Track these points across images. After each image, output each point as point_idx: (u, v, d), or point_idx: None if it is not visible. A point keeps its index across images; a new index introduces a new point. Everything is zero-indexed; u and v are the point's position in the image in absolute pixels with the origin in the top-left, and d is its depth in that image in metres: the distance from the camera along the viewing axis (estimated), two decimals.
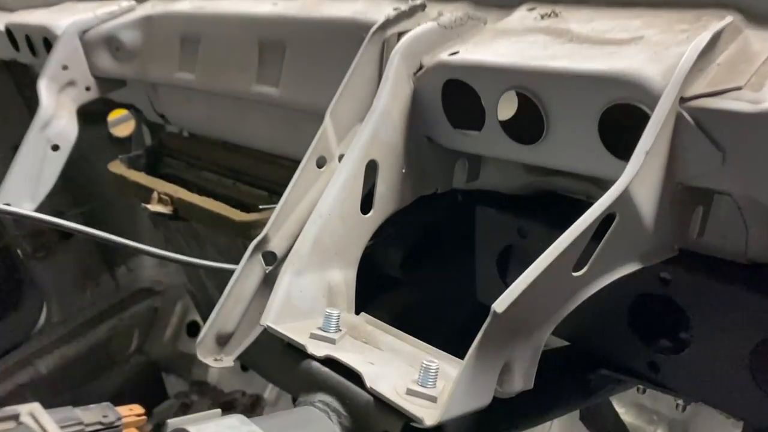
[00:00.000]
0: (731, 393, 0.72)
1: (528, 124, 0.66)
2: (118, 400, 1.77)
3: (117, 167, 1.25)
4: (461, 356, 0.51)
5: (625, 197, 0.51)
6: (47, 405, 0.47)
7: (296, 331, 0.62)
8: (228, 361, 0.77)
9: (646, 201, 0.53)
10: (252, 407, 1.91)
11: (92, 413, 0.47)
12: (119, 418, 0.47)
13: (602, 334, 0.81)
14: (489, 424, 0.68)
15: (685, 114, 0.53)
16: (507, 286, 0.89)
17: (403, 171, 0.73)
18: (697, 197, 0.61)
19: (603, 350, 0.82)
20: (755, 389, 0.70)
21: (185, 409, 1.98)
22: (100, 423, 0.46)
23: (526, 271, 0.50)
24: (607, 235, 0.52)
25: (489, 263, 0.90)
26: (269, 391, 1.94)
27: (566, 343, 0.86)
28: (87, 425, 0.46)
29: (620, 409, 1.38)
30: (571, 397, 0.85)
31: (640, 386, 0.83)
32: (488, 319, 0.50)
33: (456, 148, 0.75)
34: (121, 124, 1.82)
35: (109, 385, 1.96)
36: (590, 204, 0.53)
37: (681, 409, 0.87)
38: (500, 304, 0.49)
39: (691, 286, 0.72)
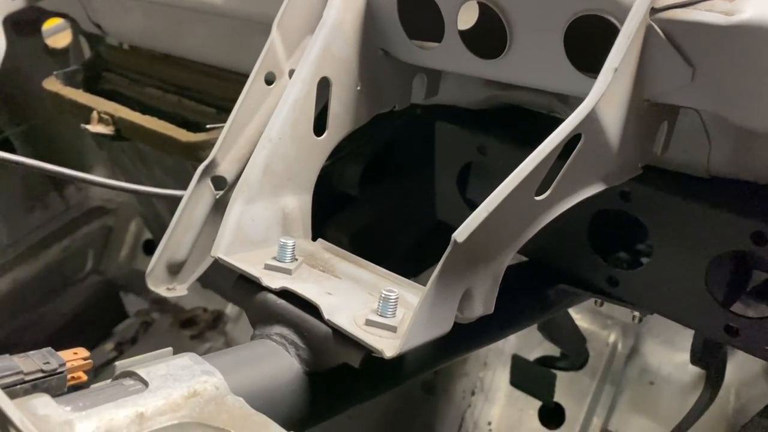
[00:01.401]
0: (688, 306, 0.73)
1: (490, 37, 0.62)
2: (77, 320, 1.73)
3: (52, 84, 1.16)
4: (420, 272, 0.50)
5: (591, 117, 0.48)
6: (3, 328, 0.43)
7: (250, 263, 0.59)
8: (181, 290, 0.74)
9: (613, 120, 0.50)
10: (213, 323, 1.91)
11: (32, 361, 0.44)
12: (62, 364, 0.45)
13: (562, 249, 0.81)
14: (449, 347, 0.68)
15: (656, 27, 0.50)
16: (467, 203, 0.89)
17: (358, 88, 0.69)
18: (663, 113, 0.59)
19: (563, 266, 0.82)
20: (711, 302, 0.71)
21: (146, 327, 1.97)
22: (41, 371, 0.44)
23: (488, 198, 0.47)
24: (571, 158, 0.50)
25: (449, 181, 0.88)
26: (230, 308, 1.94)
27: (525, 259, 0.86)
28: (27, 374, 0.43)
29: (575, 315, 1.42)
30: (530, 313, 0.86)
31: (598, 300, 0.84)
32: (449, 249, 0.48)
33: (414, 62, 0.71)
34: (57, 34, 1.69)
35: (65, 306, 1.93)
36: (552, 118, 0.51)
37: (637, 320, 0.89)
38: (461, 234, 0.47)
39: (652, 201, 0.71)
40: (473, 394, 1.56)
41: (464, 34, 0.63)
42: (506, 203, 0.47)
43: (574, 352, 1.39)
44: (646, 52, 0.51)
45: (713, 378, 0.99)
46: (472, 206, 0.78)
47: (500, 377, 1.54)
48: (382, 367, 0.50)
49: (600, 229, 0.78)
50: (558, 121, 0.49)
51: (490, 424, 1.53)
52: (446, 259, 0.48)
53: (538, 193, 0.51)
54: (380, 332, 0.51)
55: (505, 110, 0.83)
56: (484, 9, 0.61)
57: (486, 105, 0.83)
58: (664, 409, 1.36)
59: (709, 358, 0.97)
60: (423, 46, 0.68)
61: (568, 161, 0.50)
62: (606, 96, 0.48)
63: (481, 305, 0.54)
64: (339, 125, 0.68)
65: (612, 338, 1.44)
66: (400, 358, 0.50)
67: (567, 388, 1.45)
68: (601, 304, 0.85)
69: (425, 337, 0.50)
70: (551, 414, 1.48)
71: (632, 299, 0.78)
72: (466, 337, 0.69)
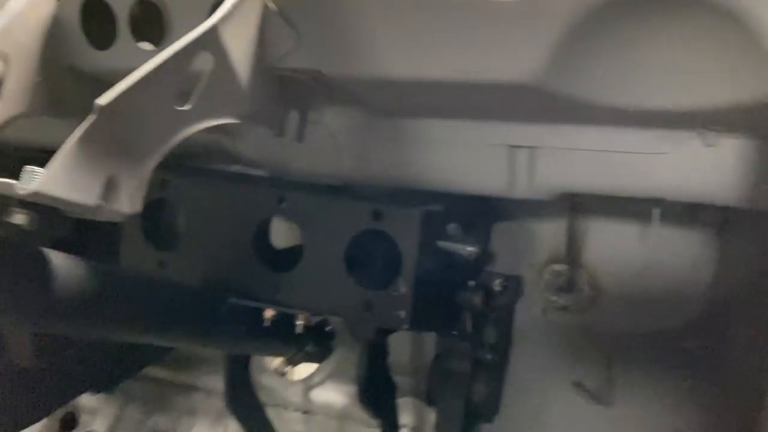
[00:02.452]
0: (339, 297, 0.84)
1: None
2: None
3: None
4: None
5: (215, 34, 0.61)
6: None
7: None
8: None
9: (238, 56, 0.65)
10: None
11: None
12: None
13: (229, 264, 0.90)
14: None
15: None
16: (153, 242, 0.94)
17: (38, 79, 0.76)
18: (292, 96, 0.76)
19: (232, 280, 0.90)
20: (353, 284, 0.83)
21: None
22: None
23: (130, 75, 0.57)
24: (205, 76, 0.63)
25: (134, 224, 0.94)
26: None
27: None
28: None
29: None
30: (202, 329, 0.89)
31: None
32: (92, 114, 0.55)
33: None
34: None
35: None
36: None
37: None
38: (105, 98, 0.55)
39: (297, 203, 0.85)
40: None
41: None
42: (147, 85, 0.57)
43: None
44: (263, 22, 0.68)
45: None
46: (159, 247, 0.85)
47: None
48: None
49: (264, 241, 0.89)
50: None
51: None
52: (90, 125, 0.55)
53: (180, 104, 0.62)
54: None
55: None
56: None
57: None
58: None
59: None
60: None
61: (203, 80, 0.63)
62: (230, 22, 0.62)
63: (127, 202, 0.60)
64: (12, 102, 0.73)
65: None
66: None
67: None
68: None
69: (64, 191, 0.53)
70: None
71: (294, 302, 0.88)
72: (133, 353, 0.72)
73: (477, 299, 0.94)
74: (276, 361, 1.49)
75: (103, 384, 1.30)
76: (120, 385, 1.61)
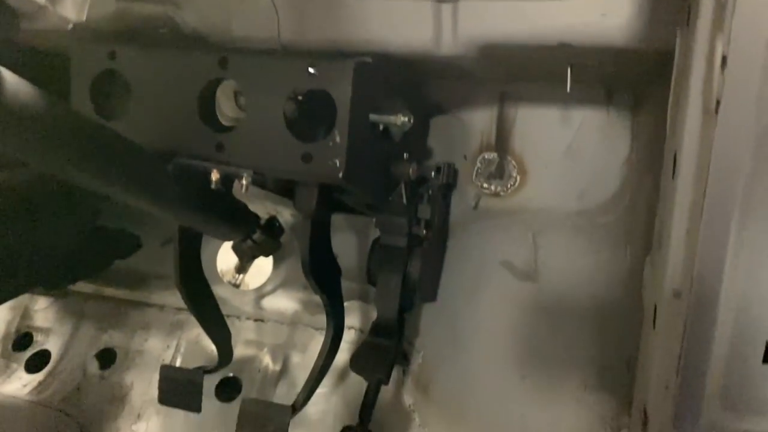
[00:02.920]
0: (279, 151, 0.90)
1: None
2: None
3: None
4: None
5: None
6: None
7: None
8: None
9: None
10: None
11: None
12: None
13: (176, 128, 0.95)
14: None
15: None
16: (100, 112, 0.98)
17: None
18: None
19: (178, 142, 0.95)
20: (292, 139, 0.89)
21: None
22: None
23: None
24: None
25: (83, 94, 0.98)
26: None
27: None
28: None
29: None
30: (159, 189, 0.92)
31: None
32: None
33: None
34: None
35: None
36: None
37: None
38: None
39: (242, 65, 0.91)
40: None
41: None
42: None
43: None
44: None
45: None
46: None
47: (153, 428, 1.47)
48: None
49: (207, 102, 0.94)
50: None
51: None
52: None
53: None
54: None
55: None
56: None
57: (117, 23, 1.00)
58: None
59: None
60: None
61: None
62: None
63: (72, 8, 0.64)
64: None
65: (265, 362, 1.51)
66: None
67: (218, 420, 1.44)
68: None
69: None
70: None
71: (237, 160, 0.93)
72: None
73: (410, 169, 1.01)
74: (229, 273, 1.54)
75: (52, 282, 1.33)
76: (72, 304, 1.64)
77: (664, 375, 0.65)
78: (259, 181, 1.05)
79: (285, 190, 1.11)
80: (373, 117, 0.94)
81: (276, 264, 1.53)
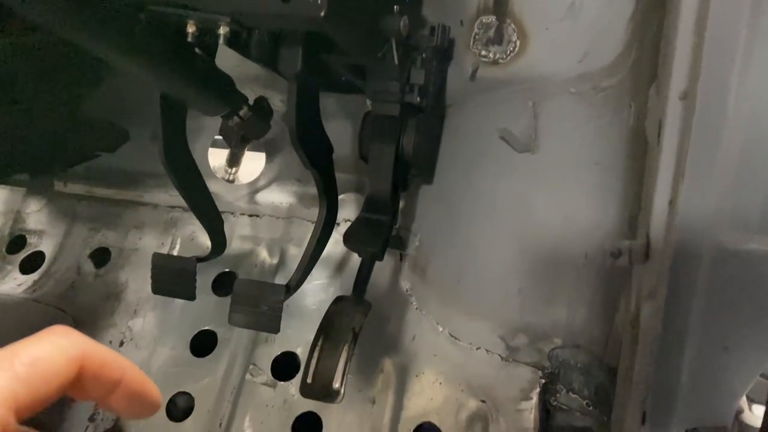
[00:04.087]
0: None
1: None
2: None
3: None
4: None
5: None
6: None
7: None
8: None
9: None
10: None
11: None
12: None
13: None
14: None
15: None
16: None
17: None
18: None
19: None
20: None
21: None
22: None
23: None
24: None
25: None
26: None
27: None
28: None
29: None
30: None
31: None
32: None
33: None
34: None
35: None
36: None
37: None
38: None
39: None
40: (122, 344, 1.44)
41: None
42: None
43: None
44: None
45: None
46: None
47: (150, 322, 1.45)
48: None
49: None
50: None
51: None
52: None
53: None
54: None
55: None
56: None
57: None
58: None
59: None
60: None
61: None
62: None
63: None
64: None
65: (261, 256, 1.48)
66: None
67: (214, 313, 1.43)
68: None
69: None
70: (203, 344, 1.43)
71: (213, 5, 0.87)
72: None
73: (401, 24, 0.94)
74: (221, 169, 1.50)
75: (37, 168, 1.30)
76: (65, 205, 1.61)
77: (666, 191, 0.61)
78: (241, 44, 0.99)
79: (269, 56, 1.05)
80: None
81: (269, 158, 1.49)
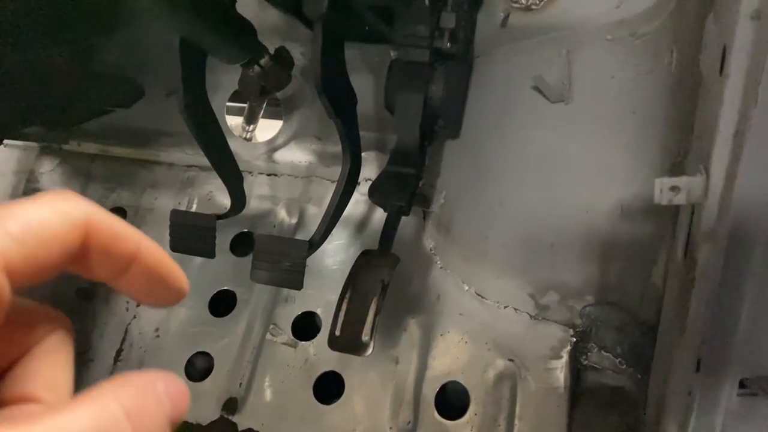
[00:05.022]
0: None
1: None
2: None
3: None
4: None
5: None
6: None
7: None
8: None
9: None
10: None
11: None
12: None
13: None
14: None
15: None
16: None
17: None
18: None
19: None
20: None
21: None
22: None
23: None
24: None
25: None
26: None
27: None
28: None
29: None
30: None
31: None
32: None
33: None
34: None
35: None
36: None
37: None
38: None
39: None
40: (138, 305, 1.41)
41: None
42: None
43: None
44: None
45: None
46: None
47: None
48: None
49: None
50: None
51: (157, 330, 1.38)
52: None
53: None
54: None
55: None
56: None
57: None
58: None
59: None
60: None
61: None
62: None
63: None
64: None
65: (280, 216, 1.45)
66: None
67: (233, 273, 1.40)
68: None
69: None
70: (222, 304, 1.40)
71: None
72: None
73: None
74: (238, 127, 1.46)
75: (50, 120, 1.26)
76: (78, 165, 1.58)
77: (731, 121, 0.57)
78: None
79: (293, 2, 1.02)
80: None
81: (287, 115, 1.45)
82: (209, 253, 1.19)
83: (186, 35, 0.97)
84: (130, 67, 1.40)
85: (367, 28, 1.04)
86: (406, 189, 1.04)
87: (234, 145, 1.47)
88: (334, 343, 0.88)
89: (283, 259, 1.05)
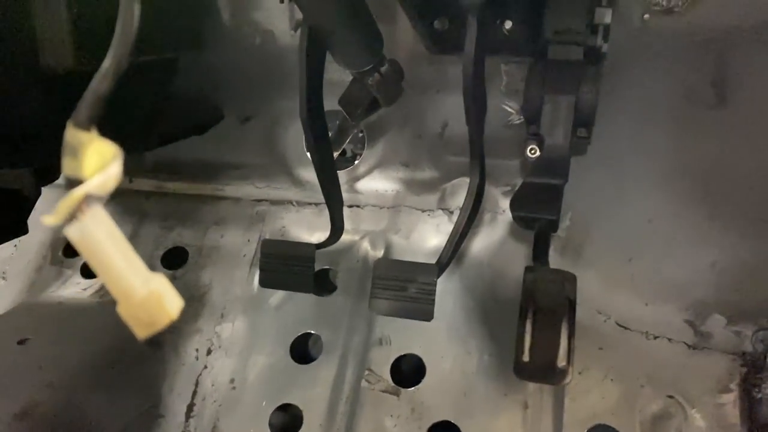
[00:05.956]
0: None
1: None
2: None
3: None
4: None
5: None
6: None
7: None
8: None
9: None
10: None
11: None
12: None
13: None
14: None
15: None
16: None
17: None
18: None
19: None
20: None
21: None
22: None
23: None
24: None
25: None
26: None
27: None
28: None
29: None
30: None
31: None
32: None
33: None
34: None
35: None
36: None
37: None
38: None
39: None
40: (209, 352, 1.24)
41: None
42: None
43: None
44: None
45: None
46: None
47: (240, 326, 1.27)
48: None
49: None
50: None
51: (233, 381, 1.21)
52: None
53: None
54: None
55: None
56: None
57: None
58: None
59: None
60: None
61: None
62: None
63: None
64: None
65: (363, 249, 1.31)
66: None
67: (315, 314, 1.25)
68: None
69: None
70: (303, 348, 1.25)
71: None
72: None
73: None
74: None
75: (128, 143, 1.12)
76: (130, 203, 1.44)
77: None
78: None
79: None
80: None
81: (370, 141, 1.35)
82: (307, 287, 1.05)
83: (318, 23, 0.86)
84: (207, 88, 1.28)
85: (507, 30, 0.96)
86: (555, 201, 0.93)
87: (311, 174, 1.35)
88: (522, 370, 0.75)
89: (409, 285, 0.92)
